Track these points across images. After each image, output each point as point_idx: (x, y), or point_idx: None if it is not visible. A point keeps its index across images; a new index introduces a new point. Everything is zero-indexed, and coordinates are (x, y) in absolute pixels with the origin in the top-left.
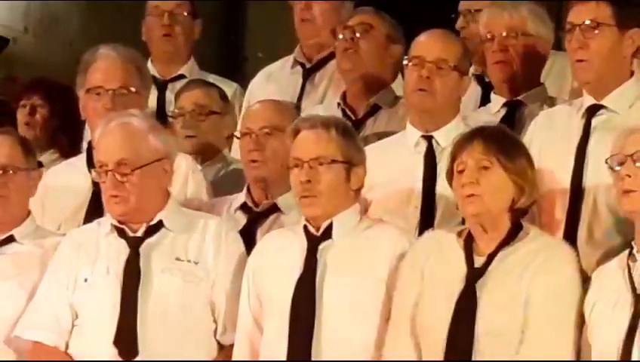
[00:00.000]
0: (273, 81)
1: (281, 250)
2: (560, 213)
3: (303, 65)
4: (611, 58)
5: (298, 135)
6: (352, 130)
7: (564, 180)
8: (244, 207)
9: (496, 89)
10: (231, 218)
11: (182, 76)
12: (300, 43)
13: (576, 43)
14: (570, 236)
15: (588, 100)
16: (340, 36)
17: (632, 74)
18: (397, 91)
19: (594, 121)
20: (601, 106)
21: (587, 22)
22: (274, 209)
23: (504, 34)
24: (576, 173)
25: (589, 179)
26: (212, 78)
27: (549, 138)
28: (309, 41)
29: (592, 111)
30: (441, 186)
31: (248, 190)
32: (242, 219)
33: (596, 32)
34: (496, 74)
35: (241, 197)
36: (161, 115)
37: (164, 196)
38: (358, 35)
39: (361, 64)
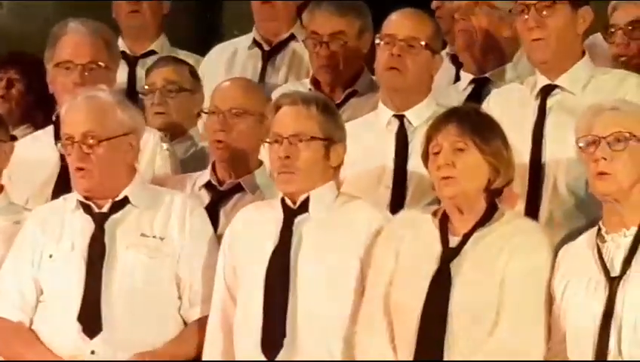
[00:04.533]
0: (228, 61)
1: (257, 223)
2: (517, 190)
3: (260, 46)
4: (566, 36)
5: (279, 111)
6: (332, 107)
7: (522, 160)
8: (208, 185)
9: (464, 66)
10: (195, 195)
11: (152, 52)
12: (255, 24)
13: (533, 22)
14: (531, 217)
15: (542, 80)
16: (312, 45)
17: (583, 53)
18: None
19: (549, 102)
20: (556, 86)
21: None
22: (238, 188)
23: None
24: (535, 154)
25: (547, 160)
26: (183, 55)
27: (503, 118)
28: (269, 23)
29: (547, 91)
30: (413, 166)
31: (213, 168)
32: (206, 198)
33: (552, 10)
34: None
35: (205, 175)
36: (131, 90)
37: (129, 172)
38: (333, 48)
39: (339, 70)
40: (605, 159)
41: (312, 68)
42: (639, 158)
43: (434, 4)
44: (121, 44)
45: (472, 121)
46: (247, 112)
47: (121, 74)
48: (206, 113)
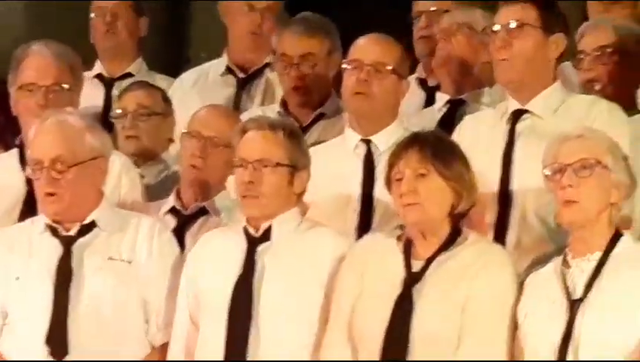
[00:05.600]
0: (201, 87)
1: (220, 250)
2: (489, 219)
3: (234, 73)
4: (535, 60)
5: (245, 135)
6: (298, 133)
7: (492, 185)
8: (172, 210)
9: (441, 87)
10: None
11: (129, 75)
12: (228, 48)
13: (500, 42)
14: (499, 242)
15: (512, 105)
16: (282, 67)
17: (555, 79)
18: None
19: (519, 126)
20: (526, 111)
21: (512, 22)
22: (203, 212)
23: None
24: (504, 179)
25: (516, 185)
26: (159, 78)
27: (474, 143)
28: (251, 54)
29: (517, 115)
30: (380, 190)
31: (177, 194)
32: (171, 223)
33: (521, 32)
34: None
35: (169, 202)
36: (107, 112)
37: (97, 195)
38: (303, 70)
39: (309, 92)
40: (572, 186)
41: (282, 90)
42: (605, 185)
43: (421, 25)
44: (99, 67)
45: (432, 147)
46: (228, 145)
47: (98, 96)
48: (186, 134)
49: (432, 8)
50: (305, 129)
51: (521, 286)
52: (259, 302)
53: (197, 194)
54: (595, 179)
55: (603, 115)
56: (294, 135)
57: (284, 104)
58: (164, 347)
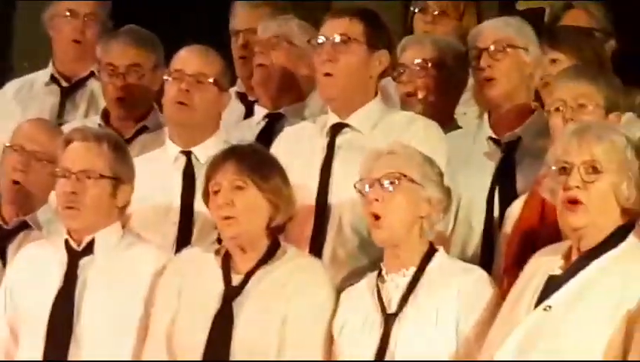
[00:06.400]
0: (24, 97)
1: (40, 263)
2: (307, 231)
3: (58, 82)
4: (358, 75)
5: (69, 145)
6: (123, 146)
7: (310, 198)
8: None
9: (259, 101)
10: None
11: None
12: (53, 57)
13: (326, 55)
14: (316, 255)
15: (332, 118)
16: (107, 76)
17: (376, 95)
18: None
19: (338, 140)
20: (346, 125)
21: (338, 36)
22: (24, 226)
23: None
24: (321, 192)
25: (333, 199)
26: None
27: (293, 156)
28: (74, 63)
29: (336, 129)
30: (200, 202)
31: None
32: None
33: (346, 47)
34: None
35: None
36: None
37: None
38: (129, 80)
39: (132, 104)
40: (378, 201)
41: (105, 101)
42: (413, 199)
43: (239, 43)
44: None
45: (250, 159)
46: (50, 159)
47: None
48: (8, 148)
49: (249, 26)
50: (126, 142)
51: (337, 299)
52: (79, 316)
53: (18, 208)
54: (401, 193)
55: (420, 133)
56: (119, 147)
57: (105, 116)
58: None
